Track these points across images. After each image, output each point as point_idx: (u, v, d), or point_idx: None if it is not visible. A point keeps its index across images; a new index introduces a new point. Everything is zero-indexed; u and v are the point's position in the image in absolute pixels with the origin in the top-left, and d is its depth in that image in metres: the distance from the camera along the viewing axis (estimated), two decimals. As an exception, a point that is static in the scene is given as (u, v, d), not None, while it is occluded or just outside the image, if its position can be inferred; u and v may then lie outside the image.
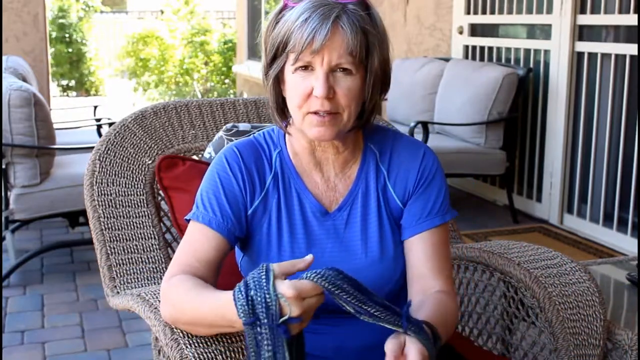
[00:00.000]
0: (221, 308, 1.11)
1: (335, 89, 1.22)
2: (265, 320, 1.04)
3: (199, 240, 1.29)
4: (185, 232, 1.33)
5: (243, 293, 1.05)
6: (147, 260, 1.61)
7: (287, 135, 1.37)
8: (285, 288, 1.03)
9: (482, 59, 4.90)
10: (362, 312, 1.08)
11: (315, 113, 1.23)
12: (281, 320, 1.04)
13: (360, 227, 1.34)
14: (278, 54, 1.25)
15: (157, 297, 1.33)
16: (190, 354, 1.17)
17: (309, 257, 1.10)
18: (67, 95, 11.71)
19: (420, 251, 1.33)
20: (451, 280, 1.36)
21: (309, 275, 1.07)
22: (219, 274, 1.31)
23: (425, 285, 1.31)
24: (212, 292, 1.17)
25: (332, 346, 1.32)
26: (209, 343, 1.20)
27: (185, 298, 1.19)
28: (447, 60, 4.84)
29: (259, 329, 1.05)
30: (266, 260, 1.32)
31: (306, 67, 1.22)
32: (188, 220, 1.33)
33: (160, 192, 1.69)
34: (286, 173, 1.35)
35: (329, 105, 1.22)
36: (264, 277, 1.05)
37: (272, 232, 1.33)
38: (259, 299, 1.04)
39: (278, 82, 1.29)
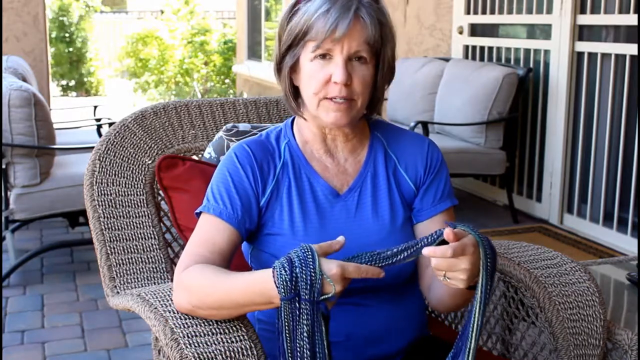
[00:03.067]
0: (259, 285, 1.16)
1: (352, 76, 1.29)
2: (307, 297, 1.11)
3: (210, 232, 1.32)
4: (196, 225, 1.35)
5: (287, 270, 1.12)
6: (147, 260, 1.61)
7: (295, 125, 1.43)
8: (333, 266, 1.11)
9: (482, 59, 4.90)
10: (420, 246, 1.17)
11: (332, 99, 1.30)
12: (322, 297, 1.11)
13: (371, 206, 1.39)
14: (295, 43, 1.32)
15: (157, 297, 1.33)
16: (190, 354, 1.17)
17: (342, 239, 1.18)
18: (67, 95, 11.71)
19: None
20: None
21: (359, 259, 1.17)
22: (230, 265, 1.32)
23: None
24: (242, 274, 1.22)
25: (344, 332, 1.35)
26: (209, 343, 1.20)
27: (210, 282, 1.22)
28: (447, 60, 4.84)
29: (297, 304, 1.12)
30: (282, 244, 1.34)
31: (324, 56, 1.29)
32: (198, 215, 1.36)
33: (160, 192, 1.69)
34: (295, 161, 1.40)
35: (345, 92, 1.29)
36: (309, 256, 1.12)
37: (285, 215, 1.36)
38: (303, 276, 1.11)
39: (291, 71, 1.36)
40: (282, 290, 1.12)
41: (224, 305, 1.21)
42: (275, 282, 1.13)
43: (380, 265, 1.17)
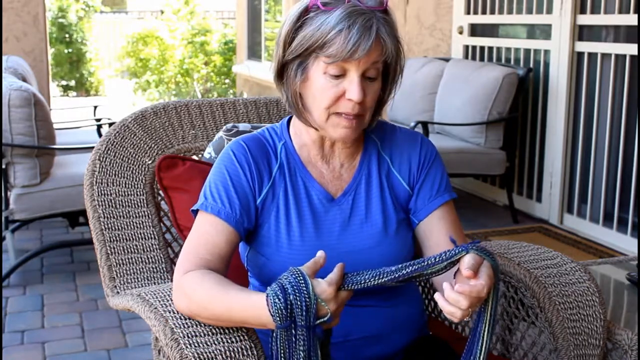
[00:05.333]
0: (256, 311, 1.15)
1: (365, 92, 1.27)
2: (303, 323, 1.09)
3: (208, 232, 1.31)
4: (194, 224, 1.34)
5: (281, 298, 1.10)
6: (147, 260, 1.61)
7: (291, 127, 1.41)
8: (325, 286, 1.11)
9: (482, 59, 4.90)
10: (427, 264, 1.12)
11: (343, 114, 1.28)
12: (319, 321, 1.10)
13: (365, 210, 1.38)
14: (305, 54, 1.27)
15: (157, 297, 1.33)
16: (190, 354, 1.17)
17: (322, 253, 1.17)
18: (67, 96, 11.71)
19: (443, 227, 1.39)
20: None
21: (362, 276, 1.14)
22: (229, 267, 1.32)
23: None
24: (241, 292, 1.20)
25: (341, 333, 1.34)
26: (209, 343, 1.20)
27: (210, 296, 1.21)
28: (447, 60, 4.84)
29: (293, 331, 1.10)
30: (277, 248, 1.34)
31: (339, 73, 1.26)
32: (194, 212, 1.35)
33: (160, 192, 1.69)
34: (291, 163, 1.39)
35: (358, 109, 1.27)
36: (301, 281, 1.11)
37: (281, 219, 1.35)
38: (298, 303, 1.09)
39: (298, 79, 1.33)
40: (278, 319, 1.11)
41: (221, 319, 1.22)
42: (270, 311, 1.12)
43: (383, 281, 1.14)
